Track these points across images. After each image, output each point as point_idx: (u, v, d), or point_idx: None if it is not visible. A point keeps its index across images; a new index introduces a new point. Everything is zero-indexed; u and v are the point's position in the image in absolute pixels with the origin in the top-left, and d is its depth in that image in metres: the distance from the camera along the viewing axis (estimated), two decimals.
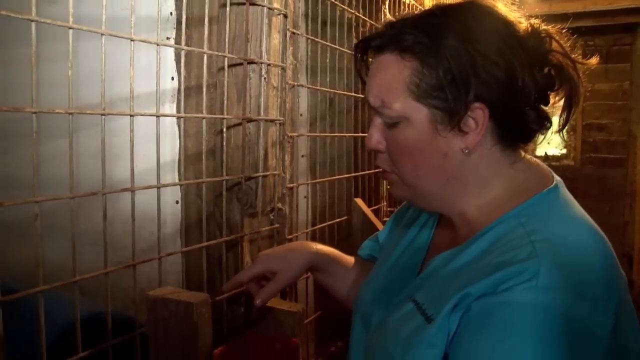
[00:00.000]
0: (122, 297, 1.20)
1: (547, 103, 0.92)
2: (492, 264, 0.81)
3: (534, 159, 0.99)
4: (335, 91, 1.80)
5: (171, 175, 1.43)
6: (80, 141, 1.44)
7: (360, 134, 2.01)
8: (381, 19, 2.09)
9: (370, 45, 0.94)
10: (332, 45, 1.72)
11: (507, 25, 0.89)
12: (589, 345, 0.77)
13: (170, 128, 1.42)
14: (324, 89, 1.71)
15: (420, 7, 2.64)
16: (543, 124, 0.92)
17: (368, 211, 1.84)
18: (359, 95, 1.94)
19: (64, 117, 0.91)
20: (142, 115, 1.03)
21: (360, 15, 1.94)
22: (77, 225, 1.06)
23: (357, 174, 1.98)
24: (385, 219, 2.16)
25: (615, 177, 6.05)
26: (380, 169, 1.00)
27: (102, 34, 0.95)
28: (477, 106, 0.86)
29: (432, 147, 0.90)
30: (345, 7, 1.80)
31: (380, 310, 1.02)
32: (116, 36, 0.98)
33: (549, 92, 0.92)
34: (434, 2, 2.86)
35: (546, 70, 0.91)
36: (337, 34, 1.78)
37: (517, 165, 0.94)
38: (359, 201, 1.84)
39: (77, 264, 0.97)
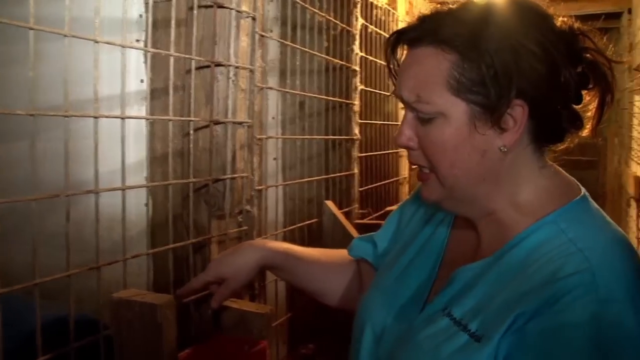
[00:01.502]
0: (91, 300, 1.19)
1: (580, 102, 0.88)
2: (541, 276, 0.79)
3: (558, 167, 0.97)
4: (306, 94, 1.81)
5: (140, 178, 1.43)
6: (49, 144, 1.43)
7: (331, 137, 2.02)
8: (352, 22, 2.11)
9: (403, 38, 0.89)
10: (303, 49, 1.73)
11: (546, 19, 0.86)
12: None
13: (140, 131, 1.41)
14: (293, 91, 1.72)
15: (393, 11, 2.66)
16: (576, 123, 0.89)
17: (339, 213, 1.85)
18: (329, 98, 1.95)
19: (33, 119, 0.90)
20: (105, 117, 1.03)
21: (331, 19, 1.95)
22: (45, 227, 1.06)
23: (328, 176, 1.99)
24: (357, 221, 2.17)
25: (588, 179, 6.14)
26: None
27: (65, 35, 0.95)
28: (517, 103, 0.83)
29: (470, 145, 0.86)
30: (316, 11, 1.81)
31: (394, 319, 0.98)
32: (79, 37, 0.97)
33: (582, 91, 0.88)
34: (407, 5, 2.89)
35: (580, 68, 0.87)
36: (307, 37, 1.79)
37: (546, 170, 0.93)
38: (330, 203, 1.85)
39: (39, 267, 0.96)
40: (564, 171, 0.97)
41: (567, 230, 0.83)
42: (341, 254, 1.30)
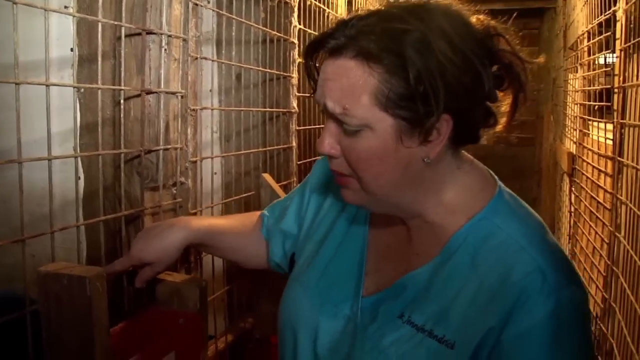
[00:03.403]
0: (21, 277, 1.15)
1: (495, 100, 0.91)
2: (495, 277, 0.86)
3: (469, 155, 1.01)
4: (243, 65, 1.79)
5: (69, 150, 1.38)
6: None
7: (269, 109, 2.00)
8: None
9: (326, 47, 0.87)
10: (239, 19, 1.70)
11: (468, 26, 0.87)
12: (589, 322, 0.90)
13: (71, 101, 1.36)
14: (229, 62, 1.69)
15: None
16: (490, 121, 0.92)
17: (276, 186, 1.84)
18: (267, 70, 1.93)
19: None
20: (28, 83, 0.98)
21: None
22: None
23: (265, 149, 1.98)
24: None
25: (525, 156, 6.35)
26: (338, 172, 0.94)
27: None
28: (444, 117, 0.84)
29: (395, 157, 0.87)
30: None
31: (327, 318, 1.01)
32: None
33: (497, 91, 0.91)
34: None
35: (495, 68, 0.90)
36: (244, 8, 1.76)
37: (464, 167, 0.97)
38: (267, 176, 1.84)
39: None
40: (476, 160, 1.01)
41: (502, 226, 0.90)
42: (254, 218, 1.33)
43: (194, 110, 1.46)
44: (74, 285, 1.02)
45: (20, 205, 1.01)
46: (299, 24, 2.14)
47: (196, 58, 1.47)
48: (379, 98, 0.83)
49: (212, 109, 1.75)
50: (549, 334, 0.83)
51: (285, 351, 1.10)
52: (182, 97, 1.39)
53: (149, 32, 1.28)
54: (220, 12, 1.64)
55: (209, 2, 1.83)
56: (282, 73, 2.02)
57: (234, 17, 1.68)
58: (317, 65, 0.92)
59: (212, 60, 1.72)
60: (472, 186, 0.96)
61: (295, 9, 2.09)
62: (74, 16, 1.10)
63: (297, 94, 2.13)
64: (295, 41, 2.10)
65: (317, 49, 0.90)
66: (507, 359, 0.85)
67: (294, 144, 2.13)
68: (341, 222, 1.10)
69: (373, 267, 1.02)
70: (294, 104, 2.11)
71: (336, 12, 2.65)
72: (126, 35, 1.25)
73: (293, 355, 1.06)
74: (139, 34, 1.27)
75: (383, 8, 0.87)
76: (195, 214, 1.51)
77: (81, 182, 1.42)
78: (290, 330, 1.07)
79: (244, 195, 1.82)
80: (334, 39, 0.86)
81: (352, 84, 0.84)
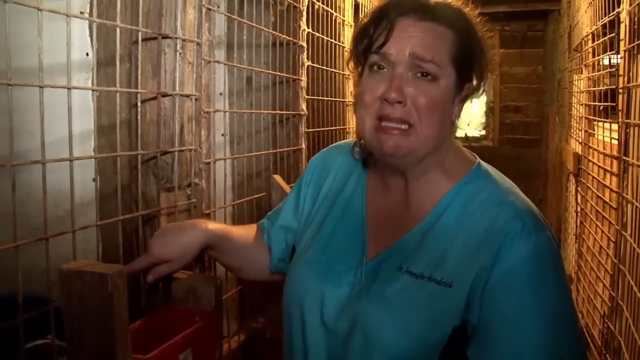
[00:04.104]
0: (38, 279, 1.17)
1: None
2: (482, 225, 1.02)
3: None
4: (253, 68, 1.82)
5: (86, 151, 1.42)
6: None
7: (279, 112, 2.03)
8: None
9: (420, 9, 1.04)
10: (250, 23, 1.74)
11: (482, 21, 1.10)
12: (562, 262, 1.07)
13: (86, 104, 1.40)
14: (241, 65, 1.73)
15: None
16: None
17: (286, 187, 1.87)
18: (276, 73, 1.96)
19: None
20: (51, 87, 1.02)
21: None
22: None
23: (275, 150, 2.01)
24: None
25: (531, 157, 6.36)
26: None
27: (5, 1, 0.94)
28: (468, 84, 1.08)
29: (447, 111, 1.07)
30: None
31: (331, 285, 1.11)
32: (21, 4, 0.96)
33: None
34: None
35: None
36: (254, 12, 1.79)
37: (455, 142, 1.15)
38: (278, 177, 1.87)
39: None
40: None
41: (484, 187, 1.08)
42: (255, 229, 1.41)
43: (207, 112, 1.49)
44: (96, 282, 1.05)
45: (44, 205, 1.05)
46: (308, 27, 2.17)
47: (209, 61, 1.50)
48: (450, 54, 1.04)
49: (224, 112, 1.78)
50: (531, 269, 0.98)
51: (292, 327, 1.16)
52: (196, 99, 1.42)
53: (165, 37, 1.31)
54: (232, 16, 1.67)
55: (218, 7, 1.87)
56: (291, 76, 2.05)
57: (245, 21, 1.72)
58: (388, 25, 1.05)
59: (224, 64, 1.75)
60: (461, 156, 1.14)
61: (304, 13, 2.13)
62: (94, 22, 1.13)
63: (306, 96, 2.16)
64: (304, 44, 2.13)
65: (390, 13, 1.05)
66: (498, 292, 0.98)
67: (304, 145, 2.16)
68: (339, 204, 1.21)
69: (373, 237, 1.14)
70: (303, 106, 2.14)
71: (343, 15, 2.69)
72: (142, 40, 1.28)
73: (302, 328, 1.14)
74: (155, 38, 1.31)
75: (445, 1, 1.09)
76: (209, 214, 1.55)
77: (97, 184, 1.46)
78: (297, 304, 1.15)
79: (256, 196, 1.85)
80: (429, 8, 1.05)
81: (437, 39, 1.03)
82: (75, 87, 1.11)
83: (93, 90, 1.26)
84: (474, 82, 1.10)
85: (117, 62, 1.22)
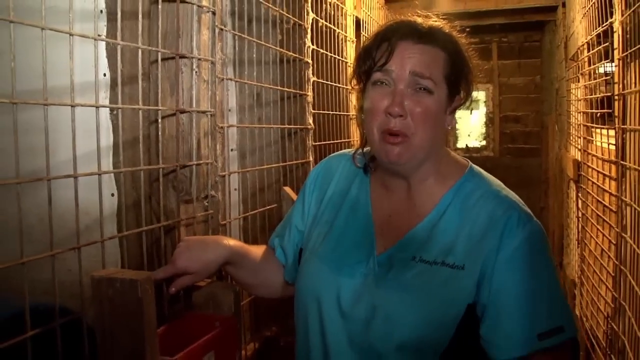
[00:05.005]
0: (61, 291, 1.21)
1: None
2: (484, 215, 1.18)
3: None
4: (262, 85, 1.89)
5: (106, 167, 1.48)
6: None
7: (287, 126, 2.10)
8: (304, 16, 2.20)
9: (418, 34, 1.20)
10: (258, 41, 1.81)
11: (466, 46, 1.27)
12: (549, 247, 1.23)
13: (103, 123, 1.46)
14: (251, 82, 1.80)
15: (342, 6, 2.76)
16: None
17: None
18: (284, 88, 2.04)
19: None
20: (82, 105, 1.09)
21: (284, 13, 2.04)
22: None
23: (285, 163, 2.08)
24: None
25: (532, 166, 6.41)
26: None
27: (42, 29, 1.01)
28: (459, 95, 1.25)
29: (440, 120, 1.22)
30: (270, 5, 1.90)
31: (346, 277, 1.22)
32: (54, 30, 1.03)
33: None
34: (355, 0, 2.99)
35: None
36: (262, 30, 1.87)
37: (446, 147, 1.30)
38: (288, 189, 1.93)
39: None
40: None
41: (479, 185, 1.24)
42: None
43: (221, 127, 1.56)
44: (126, 288, 1.11)
45: (77, 216, 1.11)
46: (312, 44, 2.25)
47: (222, 79, 1.57)
48: (444, 72, 1.19)
49: (237, 127, 1.85)
50: (530, 250, 1.15)
51: (309, 319, 1.26)
52: (211, 115, 1.49)
53: (182, 56, 1.39)
54: (242, 35, 1.75)
55: (225, 26, 1.94)
56: (298, 91, 2.13)
57: (254, 39, 1.79)
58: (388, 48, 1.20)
59: (236, 81, 1.82)
60: (453, 161, 1.29)
61: (309, 31, 2.20)
62: (118, 44, 1.20)
63: (312, 111, 2.23)
64: (310, 61, 2.21)
65: (408, 36, 1.20)
66: (504, 272, 1.14)
67: (311, 158, 2.23)
68: (346, 205, 1.33)
69: (379, 234, 1.26)
70: (310, 120, 2.21)
71: (345, 32, 2.77)
72: (162, 60, 1.35)
73: (319, 320, 1.24)
74: (173, 57, 1.38)
75: (437, 25, 1.25)
76: (224, 225, 1.61)
77: (115, 198, 1.52)
78: (313, 296, 1.26)
79: (268, 207, 1.91)
80: (421, 31, 1.20)
81: (433, 59, 1.19)
82: (103, 106, 1.18)
83: (118, 109, 1.33)
84: (462, 95, 1.25)
85: (140, 81, 1.29)
